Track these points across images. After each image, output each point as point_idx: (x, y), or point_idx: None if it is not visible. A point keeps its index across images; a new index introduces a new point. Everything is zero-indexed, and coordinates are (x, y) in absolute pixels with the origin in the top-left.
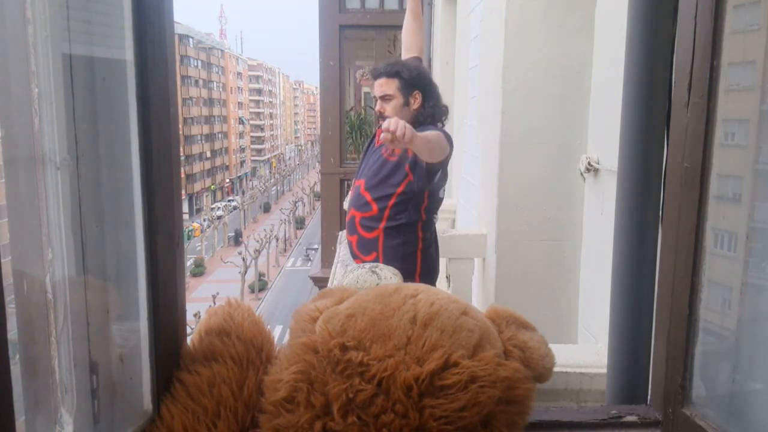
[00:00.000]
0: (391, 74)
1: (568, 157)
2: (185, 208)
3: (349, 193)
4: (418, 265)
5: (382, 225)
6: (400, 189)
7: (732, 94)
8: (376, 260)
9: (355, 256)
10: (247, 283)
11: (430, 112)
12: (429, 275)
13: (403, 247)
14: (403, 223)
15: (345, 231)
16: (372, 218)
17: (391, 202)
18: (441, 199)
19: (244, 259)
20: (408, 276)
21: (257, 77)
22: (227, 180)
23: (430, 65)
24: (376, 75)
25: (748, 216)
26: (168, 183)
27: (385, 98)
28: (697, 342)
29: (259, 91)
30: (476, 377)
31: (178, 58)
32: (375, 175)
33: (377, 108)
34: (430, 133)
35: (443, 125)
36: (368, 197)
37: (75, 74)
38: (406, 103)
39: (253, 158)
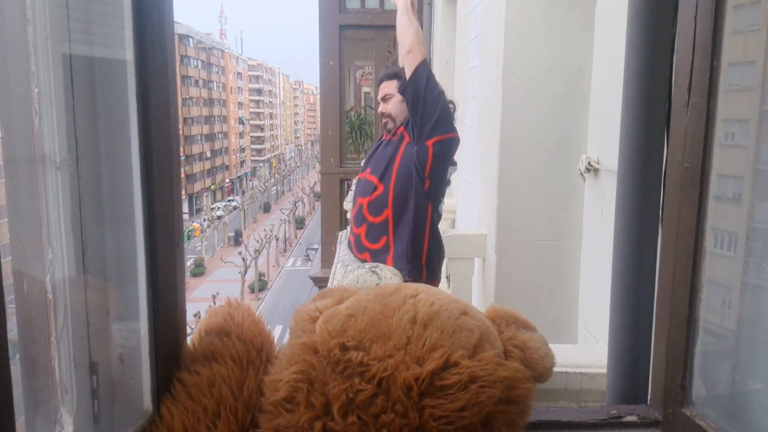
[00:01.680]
0: (390, 76)
1: (568, 157)
2: (185, 208)
3: (350, 190)
4: (426, 244)
5: (390, 204)
6: (399, 153)
7: (732, 94)
8: (386, 246)
9: (363, 250)
10: (247, 283)
11: None
12: (437, 257)
13: (412, 225)
14: (411, 201)
15: (346, 230)
16: (378, 198)
17: (394, 172)
18: (445, 181)
19: (244, 259)
20: (416, 258)
21: (257, 77)
22: (227, 180)
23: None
24: (379, 81)
25: (748, 216)
26: (168, 183)
27: (385, 98)
28: (697, 342)
29: (259, 91)
30: (476, 377)
31: (178, 58)
32: (380, 159)
33: (380, 110)
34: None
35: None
36: (375, 179)
37: (75, 74)
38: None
39: (253, 158)
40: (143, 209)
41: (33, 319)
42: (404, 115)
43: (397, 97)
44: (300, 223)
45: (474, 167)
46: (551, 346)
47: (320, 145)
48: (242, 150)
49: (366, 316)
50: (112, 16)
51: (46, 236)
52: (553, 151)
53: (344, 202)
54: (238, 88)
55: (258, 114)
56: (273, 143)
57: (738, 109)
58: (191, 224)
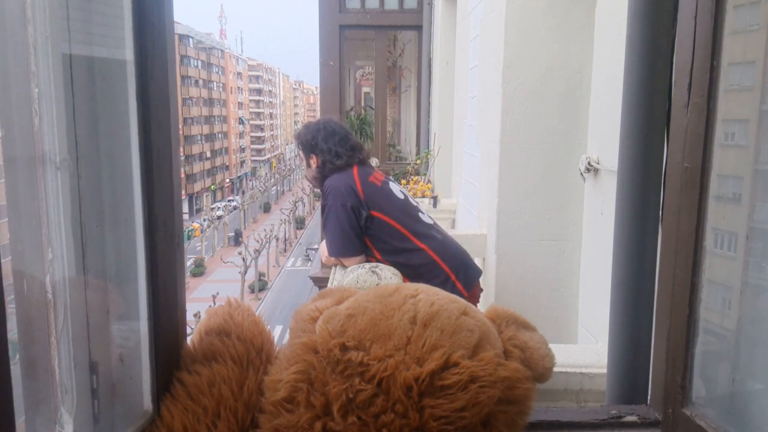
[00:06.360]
0: (295, 137)
1: (568, 157)
2: (185, 208)
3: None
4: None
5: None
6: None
7: (732, 94)
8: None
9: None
10: (247, 283)
11: (330, 167)
12: (411, 268)
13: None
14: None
15: None
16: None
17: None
18: (395, 237)
19: (244, 259)
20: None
21: (257, 77)
22: (227, 180)
23: (430, 65)
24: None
25: (748, 216)
26: (168, 183)
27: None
28: (697, 342)
29: (259, 91)
30: (476, 377)
31: (178, 58)
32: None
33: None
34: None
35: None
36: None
37: (75, 74)
38: (308, 165)
39: (253, 158)
40: (143, 209)
41: (33, 319)
42: (316, 182)
43: (304, 162)
44: (300, 223)
45: (474, 167)
46: (551, 346)
47: None
48: (242, 150)
49: (366, 316)
50: (112, 16)
51: (46, 236)
52: (553, 151)
53: None
54: (238, 88)
55: (258, 114)
56: (273, 143)
57: (738, 109)
58: (191, 224)
